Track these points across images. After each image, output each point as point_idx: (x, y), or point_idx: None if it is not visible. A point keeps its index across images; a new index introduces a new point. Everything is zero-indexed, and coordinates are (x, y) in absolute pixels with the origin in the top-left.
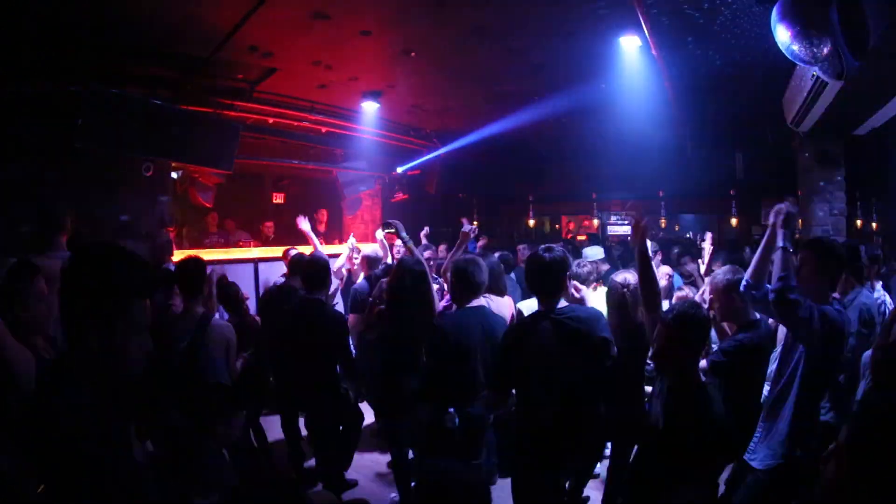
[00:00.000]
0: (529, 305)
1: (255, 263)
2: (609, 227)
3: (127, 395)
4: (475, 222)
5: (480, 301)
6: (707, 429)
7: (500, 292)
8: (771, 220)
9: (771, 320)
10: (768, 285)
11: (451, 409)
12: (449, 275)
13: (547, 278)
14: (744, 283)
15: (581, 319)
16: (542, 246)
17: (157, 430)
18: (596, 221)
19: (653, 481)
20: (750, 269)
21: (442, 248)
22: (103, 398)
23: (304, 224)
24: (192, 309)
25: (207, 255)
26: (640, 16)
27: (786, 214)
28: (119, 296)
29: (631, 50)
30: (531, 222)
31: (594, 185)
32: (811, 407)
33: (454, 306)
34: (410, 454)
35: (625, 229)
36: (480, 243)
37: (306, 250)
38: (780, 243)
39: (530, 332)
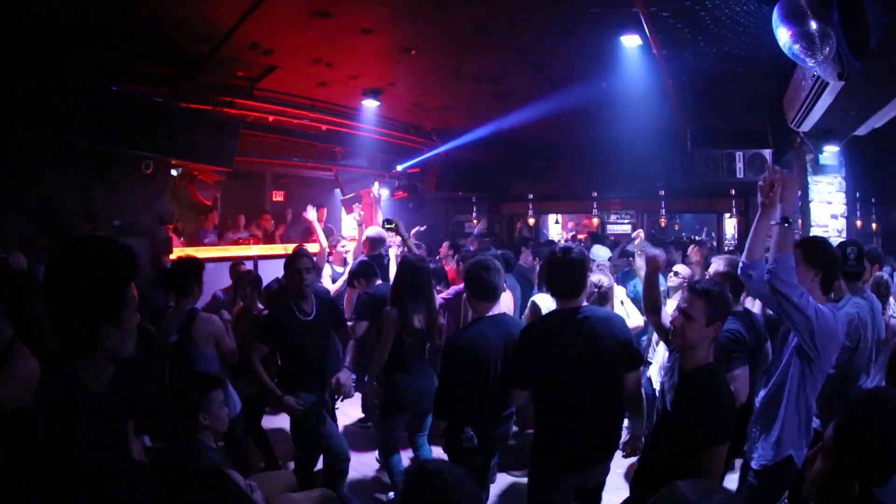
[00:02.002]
0: (546, 301)
1: (255, 261)
2: (609, 226)
3: (124, 390)
4: (474, 220)
5: (499, 307)
6: (712, 412)
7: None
8: (760, 197)
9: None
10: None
11: (469, 431)
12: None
13: (570, 277)
14: (741, 263)
15: (602, 320)
16: (560, 246)
17: (155, 425)
18: (596, 220)
19: (659, 468)
20: (745, 249)
21: (444, 246)
22: (102, 395)
23: (311, 213)
24: (182, 305)
25: (206, 252)
26: (641, 15)
27: (783, 183)
28: (103, 286)
29: (632, 49)
30: (531, 221)
31: (594, 183)
32: (804, 407)
33: (460, 299)
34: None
35: (624, 228)
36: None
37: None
38: (777, 218)
39: (554, 331)
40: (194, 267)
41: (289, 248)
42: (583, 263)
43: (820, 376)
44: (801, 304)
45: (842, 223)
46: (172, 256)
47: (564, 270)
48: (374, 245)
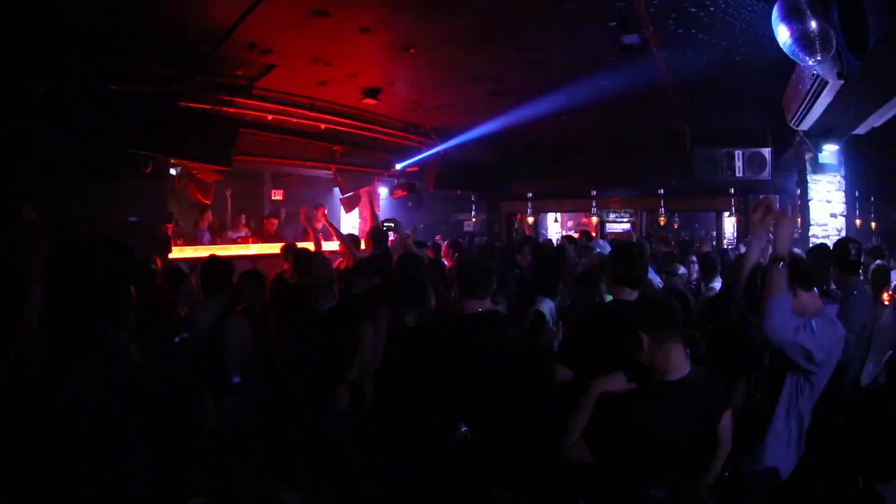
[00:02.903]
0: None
1: (254, 260)
2: (608, 225)
3: (128, 391)
4: (473, 219)
5: (486, 304)
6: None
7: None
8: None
9: None
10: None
11: (464, 428)
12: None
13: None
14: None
15: None
16: (625, 241)
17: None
18: (595, 219)
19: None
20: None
21: (445, 245)
22: (105, 395)
23: (311, 216)
24: (213, 304)
25: (204, 251)
26: (640, 13)
27: (778, 221)
28: (109, 286)
29: (631, 47)
30: (530, 219)
31: (593, 182)
32: (795, 419)
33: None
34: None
35: (623, 227)
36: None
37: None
38: (780, 256)
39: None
40: (225, 267)
41: None
42: (644, 255)
43: (819, 386)
44: (799, 342)
45: (841, 222)
46: (184, 255)
47: (631, 262)
48: (377, 243)
